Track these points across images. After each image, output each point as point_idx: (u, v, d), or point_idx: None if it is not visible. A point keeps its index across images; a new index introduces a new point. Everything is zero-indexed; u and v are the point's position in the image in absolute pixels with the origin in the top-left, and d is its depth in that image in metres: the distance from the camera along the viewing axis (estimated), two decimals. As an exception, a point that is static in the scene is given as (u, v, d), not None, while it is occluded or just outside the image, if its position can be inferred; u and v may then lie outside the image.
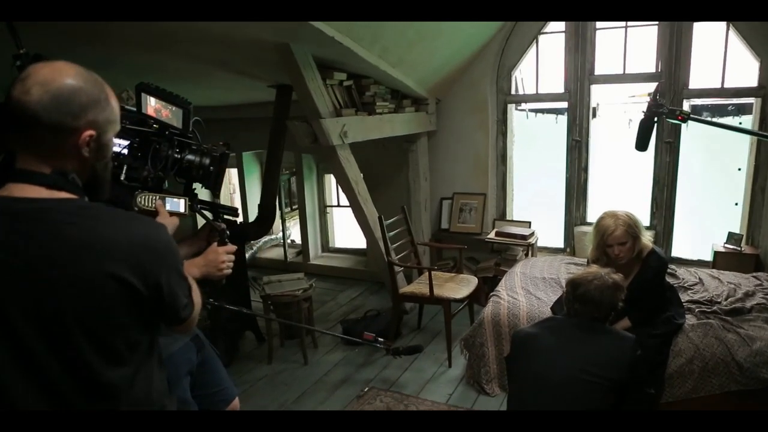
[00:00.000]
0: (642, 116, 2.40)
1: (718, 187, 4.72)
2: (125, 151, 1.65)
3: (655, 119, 2.34)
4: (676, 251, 4.63)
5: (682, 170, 4.54)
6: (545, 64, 4.89)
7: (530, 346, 2.23)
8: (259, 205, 4.57)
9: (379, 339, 2.88)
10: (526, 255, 4.79)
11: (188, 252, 1.91)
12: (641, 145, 2.43)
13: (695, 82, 4.39)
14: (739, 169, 4.51)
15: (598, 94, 4.88)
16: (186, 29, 2.80)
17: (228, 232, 1.84)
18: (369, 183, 4.21)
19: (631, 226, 2.84)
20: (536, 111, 5.49)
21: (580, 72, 4.68)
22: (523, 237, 4.69)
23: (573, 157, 4.85)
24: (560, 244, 5.12)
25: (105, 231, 1.09)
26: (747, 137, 4.40)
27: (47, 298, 1.05)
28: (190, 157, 1.78)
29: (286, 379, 3.78)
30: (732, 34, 4.17)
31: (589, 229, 4.78)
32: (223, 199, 6.53)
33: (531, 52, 4.84)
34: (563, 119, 4.96)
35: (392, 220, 4.20)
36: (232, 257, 1.79)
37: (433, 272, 3.89)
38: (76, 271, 1.05)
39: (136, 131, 1.68)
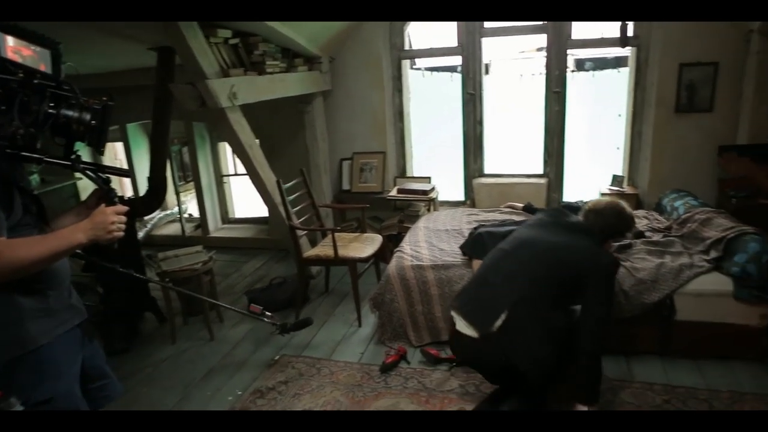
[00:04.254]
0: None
1: (602, 133, 4.99)
2: None
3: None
4: (568, 196, 4.86)
5: (569, 119, 4.75)
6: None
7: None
8: (148, 177, 4.27)
9: (267, 313, 2.76)
10: (428, 210, 4.85)
11: (76, 222, 1.73)
12: (624, 43, 3.37)
13: (578, 34, 4.55)
14: (620, 115, 4.79)
15: (490, 50, 4.95)
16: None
17: (117, 192, 1.70)
18: (265, 147, 4.05)
19: None
20: (432, 69, 5.50)
21: (471, 25, 4.70)
22: (424, 192, 4.73)
23: (468, 110, 4.92)
24: (461, 197, 5.22)
25: None
26: (625, 85, 4.66)
27: None
28: (67, 112, 1.57)
29: (192, 357, 3.61)
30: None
31: (488, 180, 4.96)
32: (109, 175, 6.04)
33: (421, 6, 4.79)
34: (458, 77, 5.01)
35: (291, 183, 4.07)
36: (123, 218, 1.64)
37: (336, 233, 3.83)
38: None
39: None
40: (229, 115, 3.51)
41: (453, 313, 2.53)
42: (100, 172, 1.71)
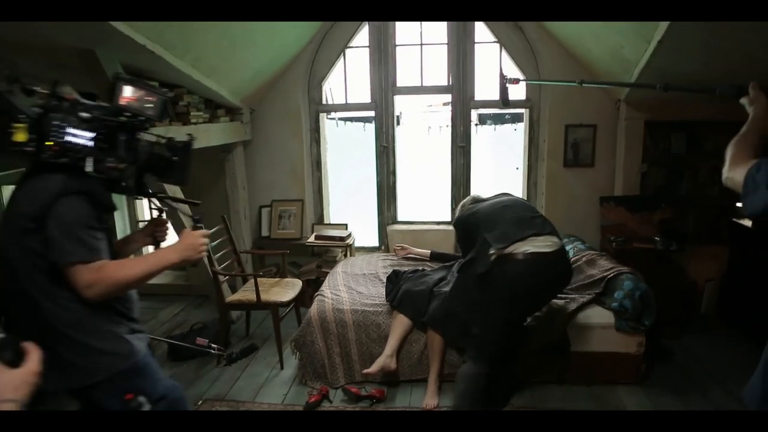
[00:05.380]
0: (499, 83, 3.18)
1: (502, 183, 5.50)
2: (90, 144, 1.64)
3: (507, 84, 3.12)
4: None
5: (474, 170, 5.22)
6: (353, 75, 5.25)
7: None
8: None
9: (213, 345, 2.89)
10: (345, 255, 5.09)
11: (134, 248, 2.02)
12: (505, 103, 3.28)
13: (480, 95, 5.07)
14: (517, 168, 5.32)
15: (400, 103, 5.36)
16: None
17: (200, 218, 1.96)
18: (186, 194, 4.11)
19: None
20: (345, 119, 5.83)
21: (384, 83, 5.11)
22: (341, 239, 4.97)
23: (382, 161, 5.27)
24: (375, 243, 5.51)
25: None
26: (521, 141, 5.22)
27: None
28: (155, 149, 1.83)
29: (108, 406, 3.55)
30: (504, 54, 4.91)
31: (401, 227, 5.29)
32: None
33: (339, 65, 5.16)
34: (370, 127, 5.37)
35: (213, 230, 4.17)
36: (208, 240, 1.90)
37: (258, 278, 3.96)
38: None
39: (101, 123, 1.68)
40: (154, 164, 3.60)
41: (522, 243, 2.79)
42: (174, 202, 2.02)
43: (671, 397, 3.38)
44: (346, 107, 5.38)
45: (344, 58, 5.14)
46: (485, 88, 5.12)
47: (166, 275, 5.78)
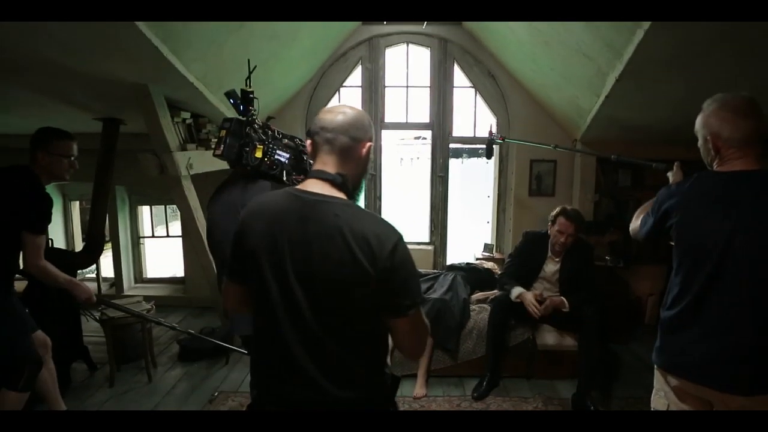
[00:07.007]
0: (487, 139, 4.11)
1: (475, 210, 6.22)
2: (286, 162, 2.38)
3: (492, 141, 3.96)
4: (450, 260, 5.94)
5: (451, 198, 5.92)
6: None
7: None
8: (87, 234, 4.64)
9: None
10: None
11: None
12: (489, 156, 4.14)
13: (457, 131, 5.81)
14: (488, 196, 6.05)
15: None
16: (48, 63, 3.10)
17: None
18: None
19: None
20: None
21: (374, 119, 5.78)
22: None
23: (369, 188, 5.91)
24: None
25: (355, 224, 1.41)
26: (491, 171, 5.95)
27: (311, 266, 1.42)
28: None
29: (134, 397, 3.93)
30: (479, 98, 5.68)
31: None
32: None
33: (334, 101, 5.81)
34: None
35: (226, 243, 4.67)
36: None
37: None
38: (329, 250, 1.41)
39: (294, 149, 2.44)
40: (183, 182, 4.13)
41: None
42: None
43: (618, 384, 4.08)
44: (338, 139, 6.00)
45: (339, 96, 5.80)
46: (461, 125, 5.87)
47: (163, 288, 6.21)
